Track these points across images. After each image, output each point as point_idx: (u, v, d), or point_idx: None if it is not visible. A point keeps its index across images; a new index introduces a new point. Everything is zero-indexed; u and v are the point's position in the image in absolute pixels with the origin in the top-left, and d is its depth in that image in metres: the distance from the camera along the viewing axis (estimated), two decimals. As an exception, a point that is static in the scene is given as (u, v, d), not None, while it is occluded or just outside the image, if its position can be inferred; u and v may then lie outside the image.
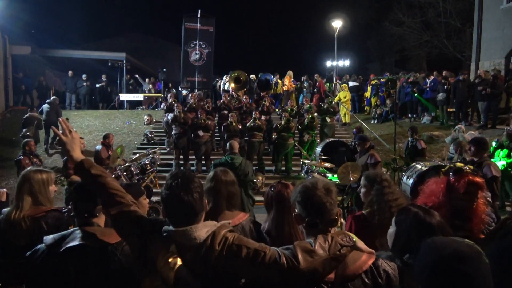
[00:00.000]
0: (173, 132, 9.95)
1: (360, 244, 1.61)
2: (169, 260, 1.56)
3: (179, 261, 1.56)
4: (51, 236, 1.90)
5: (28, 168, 2.72)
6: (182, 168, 10.01)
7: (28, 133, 10.45)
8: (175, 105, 10.31)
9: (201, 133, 9.71)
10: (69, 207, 2.60)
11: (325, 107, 11.58)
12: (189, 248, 1.57)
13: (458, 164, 2.83)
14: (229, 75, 14.76)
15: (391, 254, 1.71)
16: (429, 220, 1.66)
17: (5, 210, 2.60)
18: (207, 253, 1.55)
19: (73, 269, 1.82)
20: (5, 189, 3.82)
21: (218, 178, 2.55)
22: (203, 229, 1.58)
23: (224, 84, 15.11)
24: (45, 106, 11.88)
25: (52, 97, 12.75)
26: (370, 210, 2.68)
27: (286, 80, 15.75)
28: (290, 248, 1.55)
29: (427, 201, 2.65)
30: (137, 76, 18.16)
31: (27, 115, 11.01)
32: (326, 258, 1.51)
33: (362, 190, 2.83)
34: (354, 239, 1.60)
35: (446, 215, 2.32)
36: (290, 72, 15.85)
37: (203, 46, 14.71)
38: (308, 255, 1.50)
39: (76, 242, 1.85)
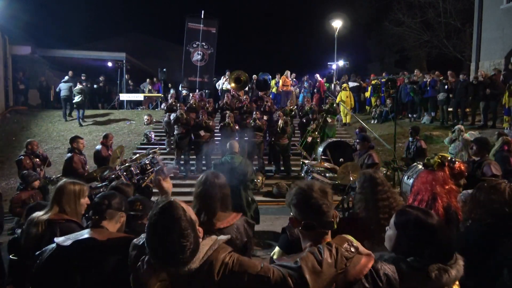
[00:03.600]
0: (175, 132, 9.95)
1: (360, 247, 1.57)
2: None
3: None
4: (62, 237, 1.96)
5: (65, 180, 2.76)
6: (182, 168, 10.02)
7: (79, 100, 13.83)
8: (178, 105, 10.31)
9: (202, 133, 9.72)
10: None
11: (326, 107, 11.58)
12: (182, 276, 1.47)
13: (445, 155, 3.27)
14: (227, 75, 14.74)
15: (392, 256, 1.67)
16: (430, 221, 1.63)
17: (37, 213, 2.64)
18: (205, 281, 1.46)
19: (79, 263, 1.85)
20: None
21: (210, 181, 2.54)
22: (196, 262, 1.48)
23: (223, 84, 15.10)
24: (62, 85, 14.25)
25: (66, 77, 14.50)
26: (356, 210, 2.60)
27: (282, 80, 15.67)
28: (294, 268, 1.47)
29: (424, 195, 2.92)
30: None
31: (79, 87, 14.02)
32: (333, 275, 1.47)
33: (358, 194, 2.71)
34: (356, 246, 1.56)
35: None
36: (287, 72, 15.82)
37: (206, 47, 14.70)
38: (316, 276, 1.44)
39: (85, 236, 1.92)
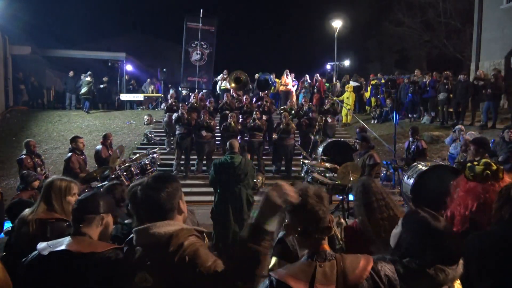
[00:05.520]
0: (177, 132, 9.95)
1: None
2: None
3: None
4: (45, 243, 1.90)
5: (54, 176, 2.75)
6: (182, 168, 10.02)
7: (85, 91, 15.21)
8: (180, 105, 10.32)
9: (204, 133, 9.72)
10: None
11: (326, 107, 11.56)
12: (149, 246, 1.53)
13: (488, 161, 2.79)
14: (224, 73, 14.72)
15: (390, 258, 1.65)
16: (437, 225, 1.63)
17: (26, 210, 2.61)
18: (163, 253, 1.50)
19: (56, 274, 1.80)
20: None
21: None
22: (163, 227, 1.53)
23: (221, 83, 15.09)
24: (83, 79, 15.35)
25: (88, 73, 15.52)
26: (361, 220, 2.55)
27: (283, 80, 15.66)
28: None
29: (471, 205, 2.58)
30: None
31: (87, 79, 15.23)
32: None
33: (355, 203, 2.70)
34: None
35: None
36: (287, 71, 15.78)
37: (204, 46, 14.69)
38: None
39: (62, 247, 1.85)
